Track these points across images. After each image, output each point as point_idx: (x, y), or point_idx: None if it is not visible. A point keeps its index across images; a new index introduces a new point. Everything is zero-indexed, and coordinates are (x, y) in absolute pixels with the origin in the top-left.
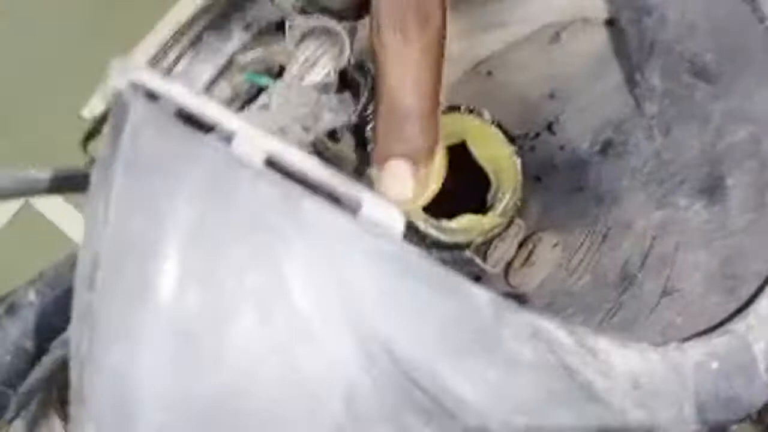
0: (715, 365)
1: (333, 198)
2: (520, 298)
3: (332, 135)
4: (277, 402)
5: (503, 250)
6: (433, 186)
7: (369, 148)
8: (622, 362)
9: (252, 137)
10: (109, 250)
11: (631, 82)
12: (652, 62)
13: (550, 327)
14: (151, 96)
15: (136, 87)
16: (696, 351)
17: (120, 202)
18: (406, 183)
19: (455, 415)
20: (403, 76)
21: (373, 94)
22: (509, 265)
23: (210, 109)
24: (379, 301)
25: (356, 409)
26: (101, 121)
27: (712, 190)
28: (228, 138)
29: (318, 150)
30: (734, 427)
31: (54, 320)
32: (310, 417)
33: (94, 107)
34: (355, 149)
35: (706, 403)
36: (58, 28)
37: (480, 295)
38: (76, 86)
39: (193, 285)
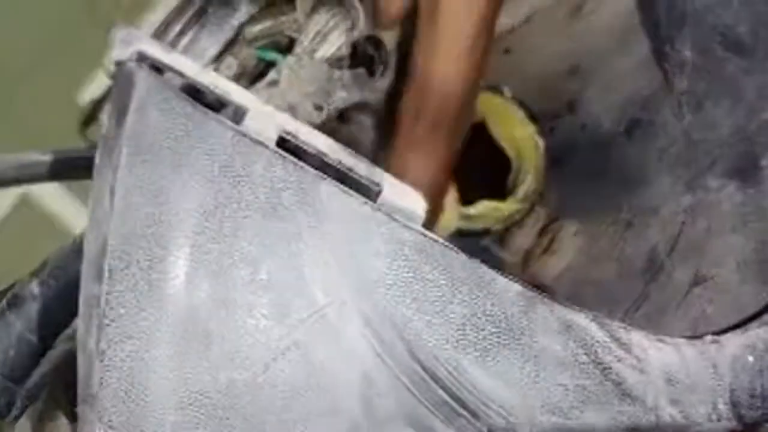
0: (751, 359)
1: (350, 181)
2: (540, 290)
3: (341, 117)
4: (294, 398)
5: (522, 239)
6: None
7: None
8: (656, 357)
9: (265, 114)
10: (116, 238)
11: (659, 56)
12: (683, 33)
13: (583, 321)
14: (156, 69)
15: (141, 58)
16: (732, 344)
17: (126, 184)
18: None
19: (479, 414)
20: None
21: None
22: (528, 253)
23: (219, 84)
24: (398, 291)
25: (374, 407)
26: (98, 105)
27: (746, 170)
28: (239, 115)
29: (327, 133)
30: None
31: (59, 312)
32: (328, 414)
33: (92, 93)
34: (368, 132)
35: (741, 398)
36: (57, 9)
37: (508, 286)
38: (76, 69)
39: (205, 277)
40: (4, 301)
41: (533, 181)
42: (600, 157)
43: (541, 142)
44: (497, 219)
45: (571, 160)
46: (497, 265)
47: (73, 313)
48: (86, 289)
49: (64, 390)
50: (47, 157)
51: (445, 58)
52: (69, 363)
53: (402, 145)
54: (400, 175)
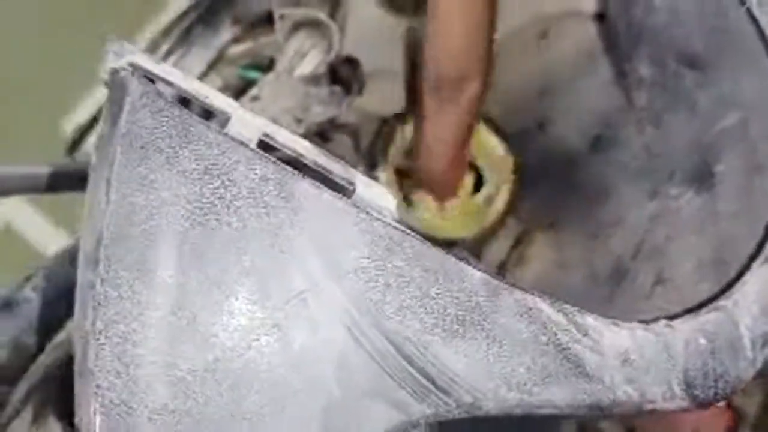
0: (703, 342)
1: (325, 179)
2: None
3: (323, 135)
4: (275, 375)
5: (497, 250)
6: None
7: (363, 148)
8: (612, 339)
9: (247, 119)
10: (110, 228)
11: (620, 74)
12: (641, 51)
13: (543, 305)
14: (148, 80)
15: (133, 68)
16: (685, 328)
17: (121, 179)
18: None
19: (448, 390)
20: (438, 137)
21: (414, 144)
22: (503, 264)
23: (204, 92)
24: (371, 278)
25: (349, 384)
26: (85, 131)
27: (703, 177)
28: (223, 120)
29: None
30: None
31: (52, 315)
32: (307, 390)
33: (78, 119)
34: (347, 150)
35: (694, 379)
36: (41, 34)
37: (473, 274)
38: (59, 92)
39: (193, 265)
40: None
41: (506, 193)
42: (568, 173)
43: (511, 158)
44: (472, 228)
45: (542, 176)
46: None
47: (65, 315)
48: (82, 275)
49: (57, 391)
50: (46, 170)
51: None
52: (61, 366)
53: (425, 108)
54: (427, 135)
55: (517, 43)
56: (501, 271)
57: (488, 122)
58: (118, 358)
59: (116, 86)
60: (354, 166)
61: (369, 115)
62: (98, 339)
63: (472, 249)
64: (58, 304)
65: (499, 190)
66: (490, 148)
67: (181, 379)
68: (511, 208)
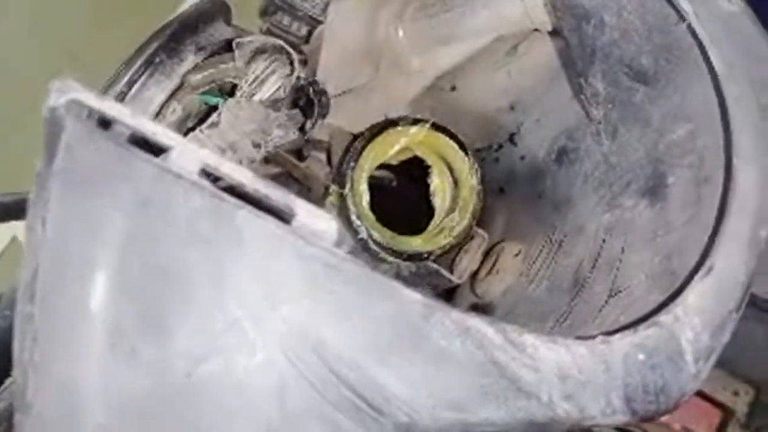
0: (642, 357)
1: (266, 207)
2: (485, 309)
3: (298, 154)
4: (216, 400)
5: (468, 261)
6: None
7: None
8: (549, 356)
9: (187, 150)
10: (47, 263)
11: (577, 89)
12: (594, 68)
13: (479, 325)
14: (105, 124)
15: (71, 105)
16: (623, 343)
17: (56, 215)
18: None
19: (384, 411)
20: None
21: None
22: (475, 275)
23: (151, 128)
24: (307, 302)
25: (287, 407)
26: None
27: (655, 189)
28: (164, 152)
29: (285, 169)
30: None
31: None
32: (247, 413)
33: None
34: (323, 166)
35: (634, 394)
36: (37, 54)
37: (409, 295)
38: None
39: (129, 295)
40: None
41: (474, 206)
42: (536, 184)
43: (477, 174)
44: (439, 244)
45: (512, 187)
46: (447, 286)
47: None
48: (21, 308)
49: None
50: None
51: None
52: None
53: None
54: None
55: (486, 61)
56: (473, 282)
57: (454, 138)
58: (56, 388)
59: (53, 124)
60: (327, 184)
61: (341, 133)
62: (37, 372)
63: (442, 262)
64: None
65: (467, 203)
66: (457, 163)
67: (119, 407)
68: (479, 221)
